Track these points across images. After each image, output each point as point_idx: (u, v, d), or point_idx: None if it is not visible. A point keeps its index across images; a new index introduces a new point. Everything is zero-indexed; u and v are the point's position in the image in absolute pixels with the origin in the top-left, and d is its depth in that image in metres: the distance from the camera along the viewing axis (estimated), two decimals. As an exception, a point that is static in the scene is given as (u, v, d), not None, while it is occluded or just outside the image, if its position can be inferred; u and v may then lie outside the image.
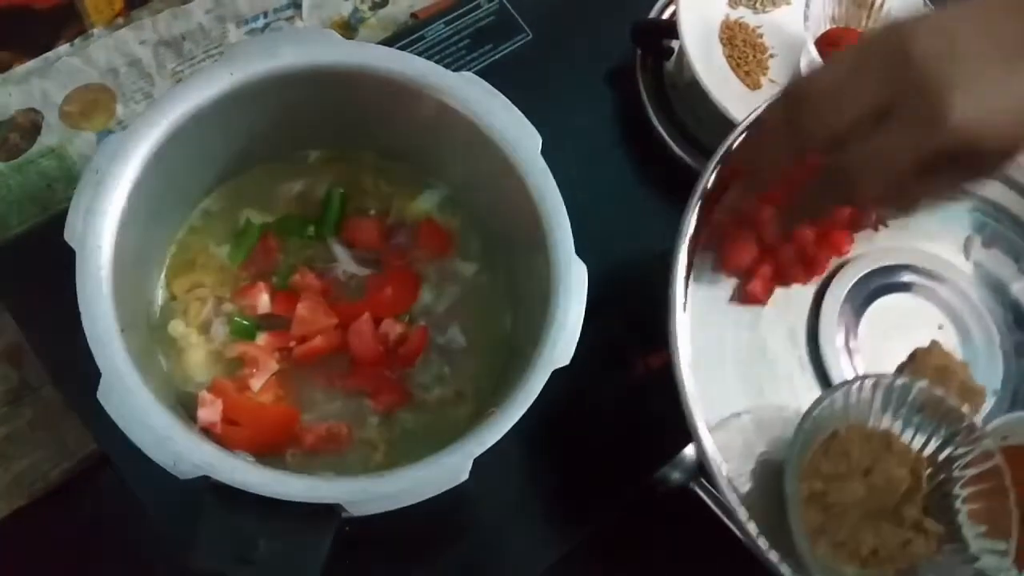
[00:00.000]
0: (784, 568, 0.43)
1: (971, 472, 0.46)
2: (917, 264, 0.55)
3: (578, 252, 0.46)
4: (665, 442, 0.54)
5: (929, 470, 0.47)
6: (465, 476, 0.41)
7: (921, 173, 0.41)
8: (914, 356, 0.51)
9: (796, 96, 0.44)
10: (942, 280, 0.55)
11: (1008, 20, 0.40)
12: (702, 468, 0.45)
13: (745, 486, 0.47)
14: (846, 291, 0.53)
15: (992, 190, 0.57)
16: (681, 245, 0.49)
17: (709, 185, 0.50)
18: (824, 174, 0.45)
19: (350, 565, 0.50)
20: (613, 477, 0.55)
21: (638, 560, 0.56)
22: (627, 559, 0.55)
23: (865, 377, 0.47)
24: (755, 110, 0.52)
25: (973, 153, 0.41)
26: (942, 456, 0.47)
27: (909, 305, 0.54)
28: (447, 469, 0.40)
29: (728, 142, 0.51)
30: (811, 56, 0.63)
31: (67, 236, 0.40)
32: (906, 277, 0.54)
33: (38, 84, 0.61)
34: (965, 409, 0.47)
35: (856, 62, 0.42)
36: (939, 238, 0.56)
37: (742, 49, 0.66)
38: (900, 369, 0.51)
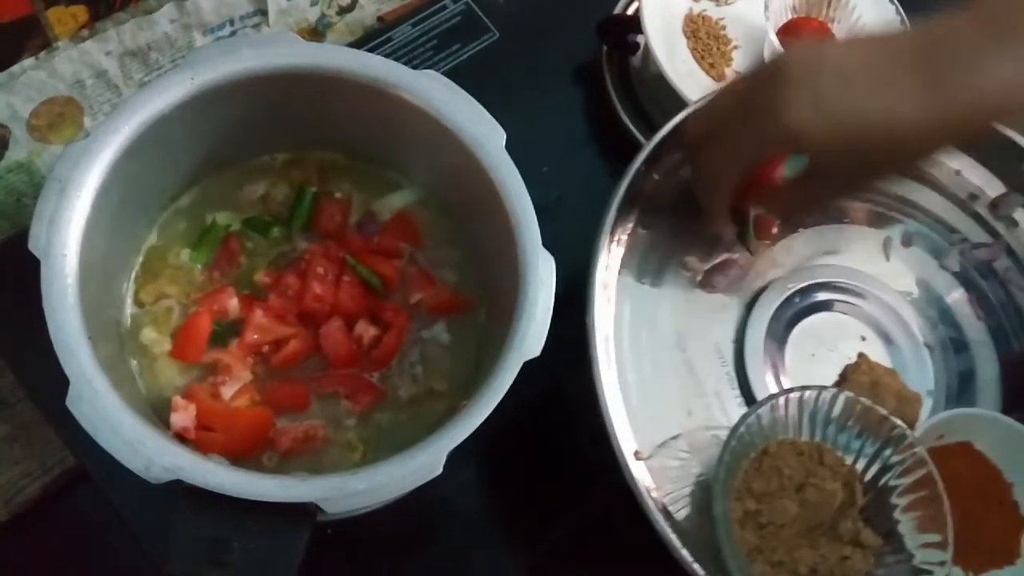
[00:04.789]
0: None
1: (907, 480, 0.46)
2: (833, 280, 0.54)
3: (550, 247, 0.46)
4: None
5: (863, 482, 0.47)
6: (439, 470, 0.41)
7: (795, 184, 0.46)
8: (845, 375, 0.51)
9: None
10: (858, 292, 0.54)
11: (885, 47, 0.43)
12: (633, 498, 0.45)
13: (683, 511, 0.46)
14: (766, 322, 0.52)
15: (907, 188, 0.57)
16: (595, 272, 0.48)
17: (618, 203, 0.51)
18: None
19: (332, 566, 0.50)
20: (587, 469, 0.55)
21: (617, 557, 0.56)
22: (607, 556, 0.55)
23: (790, 391, 0.46)
24: (674, 119, 0.53)
25: (804, 150, 0.44)
26: (876, 466, 0.47)
27: (829, 323, 0.54)
28: (421, 464, 0.40)
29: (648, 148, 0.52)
30: (774, 46, 0.64)
31: (31, 245, 0.40)
32: (822, 295, 0.54)
33: (4, 99, 0.61)
34: (897, 419, 0.46)
35: (741, 80, 0.48)
36: (855, 247, 0.56)
37: (705, 42, 0.66)
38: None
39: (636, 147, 0.67)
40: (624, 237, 0.51)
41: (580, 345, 0.56)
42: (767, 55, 0.67)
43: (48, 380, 0.39)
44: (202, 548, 0.38)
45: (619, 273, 0.50)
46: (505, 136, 0.47)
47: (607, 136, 0.68)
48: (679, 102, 0.62)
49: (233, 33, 0.67)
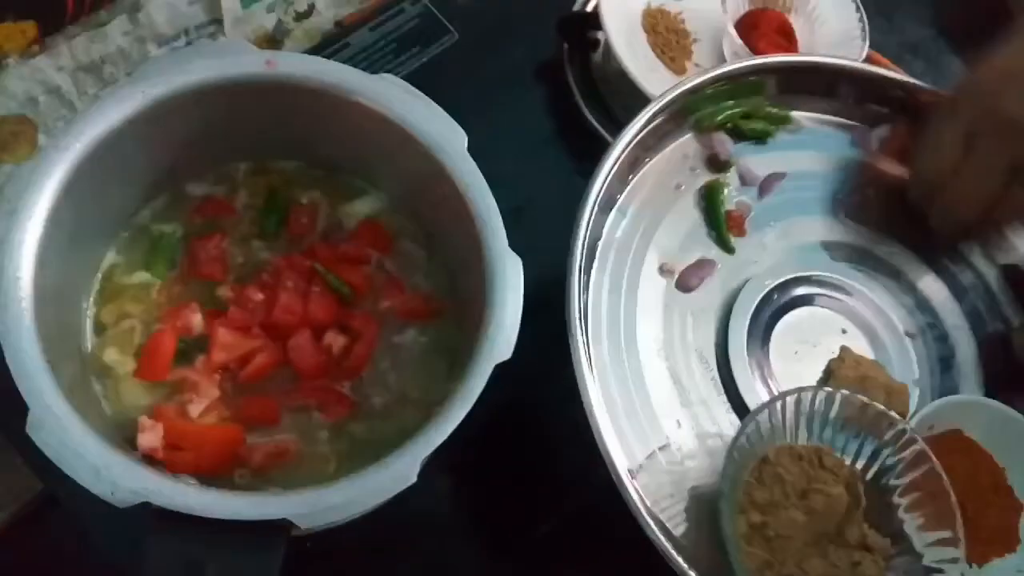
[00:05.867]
0: None
1: (908, 478, 0.44)
2: (810, 274, 0.53)
3: (518, 248, 0.46)
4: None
5: (865, 482, 0.46)
6: (414, 479, 0.40)
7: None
8: (830, 370, 0.51)
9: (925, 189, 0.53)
10: (836, 284, 0.54)
11: None
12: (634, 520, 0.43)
13: (680, 527, 0.45)
14: (747, 322, 0.51)
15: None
16: (572, 283, 0.47)
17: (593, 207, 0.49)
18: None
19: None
20: (566, 471, 0.55)
21: (600, 553, 0.55)
22: (589, 554, 0.55)
23: (786, 394, 0.45)
24: (644, 111, 0.52)
25: None
26: (876, 465, 0.46)
27: (809, 318, 0.53)
28: (395, 473, 0.40)
29: (621, 144, 0.51)
30: (732, 39, 0.64)
31: (-18, 270, 0.39)
32: (800, 290, 0.53)
33: (-47, 119, 0.60)
34: (892, 412, 0.45)
35: (960, 146, 0.50)
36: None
37: (665, 36, 0.66)
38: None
39: (602, 144, 0.67)
40: (598, 240, 0.51)
41: (554, 346, 0.56)
42: (726, 48, 0.67)
43: (10, 404, 0.38)
44: (175, 570, 0.37)
45: (595, 282, 0.50)
46: (467, 138, 0.47)
47: (571, 134, 0.68)
48: (642, 97, 0.62)
49: (188, 44, 0.66)
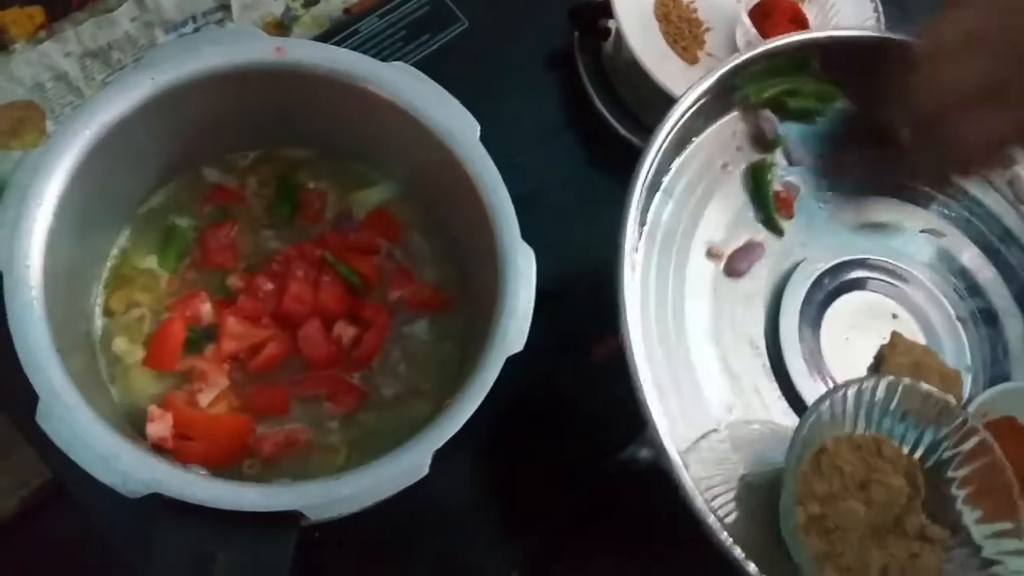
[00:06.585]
0: None
1: (968, 468, 0.43)
2: (860, 257, 0.52)
3: (530, 238, 0.46)
4: (628, 423, 0.54)
5: (923, 472, 0.44)
6: (425, 471, 0.40)
7: None
8: (881, 356, 0.49)
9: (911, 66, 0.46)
10: (887, 268, 0.52)
11: None
12: (687, 506, 0.41)
13: (731, 515, 0.44)
14: (798, 308, 0.50)
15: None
16: (622, 266, 0.45)
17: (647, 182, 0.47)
18: (921, 145, 0.47)
19: (321, 567, 0.50)
20: (579, 462, 0.55)
21: (615, 541, 0.55)
22: (604, 543, 0.55)
23: (847, 384, 0.44)
24: (691, 88, 0.50)
25: None
26: (936, 456, 0.44)
27: (860, 303, 0.51)
28: (407, 465, 0.40)
29: (668, 124, 0.49)
30: (746, 27, 0.63)
31: (-8, 258, 0.39)
32: (852, 274, 0.52)
33: (-40, 104, 0.59)
34: (953, 401, 0.44)
35: (967, 40, 0.44)
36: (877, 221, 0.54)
37: (678, 25, 0.66)
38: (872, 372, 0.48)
39: (611, 132, 0.67)
40: (644, 223, 0.49)
41: (563, 336, 0.56)
42: (739, 37, 0.66)
43: (20, 392, 0.38)
44: (185, 561, 0.37)
45: (642, 266, 0.48)
46: (479, 128, 0.47)
47: (582, 123, 0.68)
48: (653, 87, 0.62)
49: (196, 30, 0.66)
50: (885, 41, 0.54)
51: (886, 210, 0.54)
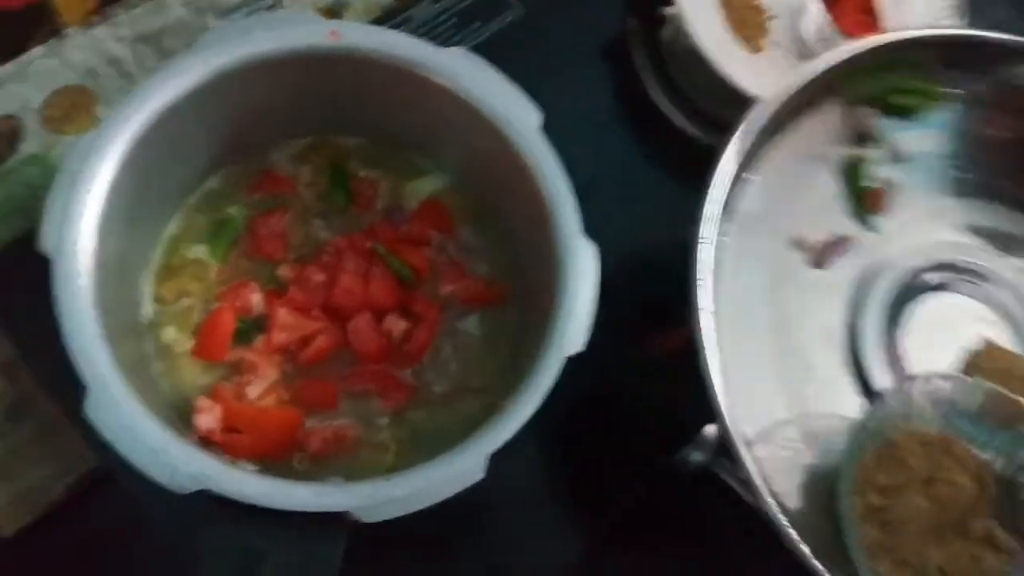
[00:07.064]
0: None
1: None
2: (953, 259, 0.51)
3: (585, 233, 0.44)
4: (685, 423, 0.53)
5: (996, 477, 0.43)
6: (480, 475, 0.39)
7: None
8: (969, 361, 0.48)
9: None
10: (978, 272, 0.51)
11: None
12: (746, 486, 0.41)
13: (794, 503, 0.43)
14: (882, 305, 0.49)
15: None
16: (698, 248, 0.44)
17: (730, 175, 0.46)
18: None
19: (368, 565, 0.49)
20: (632, 463, 0.53)
21: (665, 545, 0.54)
22: (653, 545, 0.54)
23: (924, 379, 0.44)
24: (797, 73, 0.48)
25: None
26: (1013, 464, 0.43)
27: (948, 305, 0.50)
28: (461, 468, 0.39)
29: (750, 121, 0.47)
30: (814, 15, 0.61)
31: (41, 244, 0.38)
32: (941, 275, 0.50)
33: (14, 89, 0.59)
34: None
35: None
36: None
37: (741, 12, 0.63)
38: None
39: (668, 123, 0.65)
40: (725, 208, 0.47)
41: (622, 333, 0.54)
42: (806, 26, 0.64)
43: (70, 380, 0.38)
44: (233, 559, 0.37)
45: (720, 250, 0.46)
46: (541, 116, 0.45)
47: (636, 113, 0.66)
48: (713, 76, 0.59)
49: (248, 15, 0.65)
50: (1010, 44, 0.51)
51: (993, 213, 0.52)
